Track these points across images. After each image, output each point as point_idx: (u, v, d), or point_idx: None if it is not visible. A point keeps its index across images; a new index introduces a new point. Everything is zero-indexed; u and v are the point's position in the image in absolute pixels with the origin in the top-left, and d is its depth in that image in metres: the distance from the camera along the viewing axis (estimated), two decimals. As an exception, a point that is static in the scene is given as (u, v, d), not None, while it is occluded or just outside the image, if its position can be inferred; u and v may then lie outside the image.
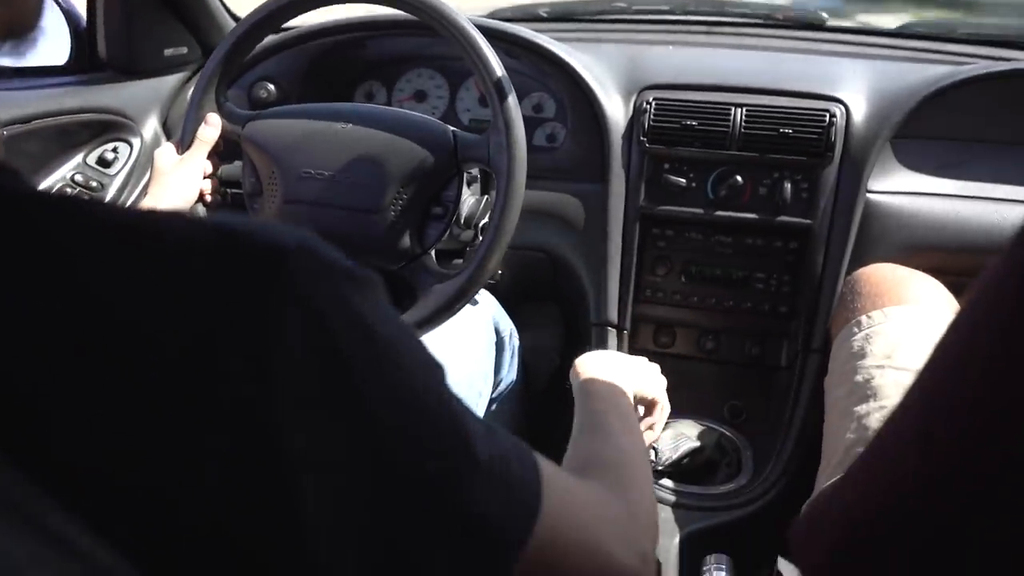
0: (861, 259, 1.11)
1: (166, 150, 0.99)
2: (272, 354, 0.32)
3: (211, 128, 1.00)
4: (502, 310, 1.23)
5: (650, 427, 0.92)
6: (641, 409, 0.90)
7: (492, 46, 0.94)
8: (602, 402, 0.73)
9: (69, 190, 1.16)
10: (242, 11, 1.35)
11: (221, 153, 1.04)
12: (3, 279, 0.30)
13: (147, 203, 0.96)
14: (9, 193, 0.32)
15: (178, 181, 0.97)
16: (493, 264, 0.94)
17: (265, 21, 0.99)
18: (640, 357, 0.92)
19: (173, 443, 0.31)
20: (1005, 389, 0.30)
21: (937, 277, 1.01)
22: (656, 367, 0.93)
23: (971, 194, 1.11)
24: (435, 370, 0.40)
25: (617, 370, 0.81)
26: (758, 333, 1.22)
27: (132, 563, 0.29)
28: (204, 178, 1.01)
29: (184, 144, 1.00)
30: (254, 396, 0.31)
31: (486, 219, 1.02)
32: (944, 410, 0.34)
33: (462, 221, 1.02)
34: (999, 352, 0.31)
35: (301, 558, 0.33)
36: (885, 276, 1.01)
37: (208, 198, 1.02)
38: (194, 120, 1.00)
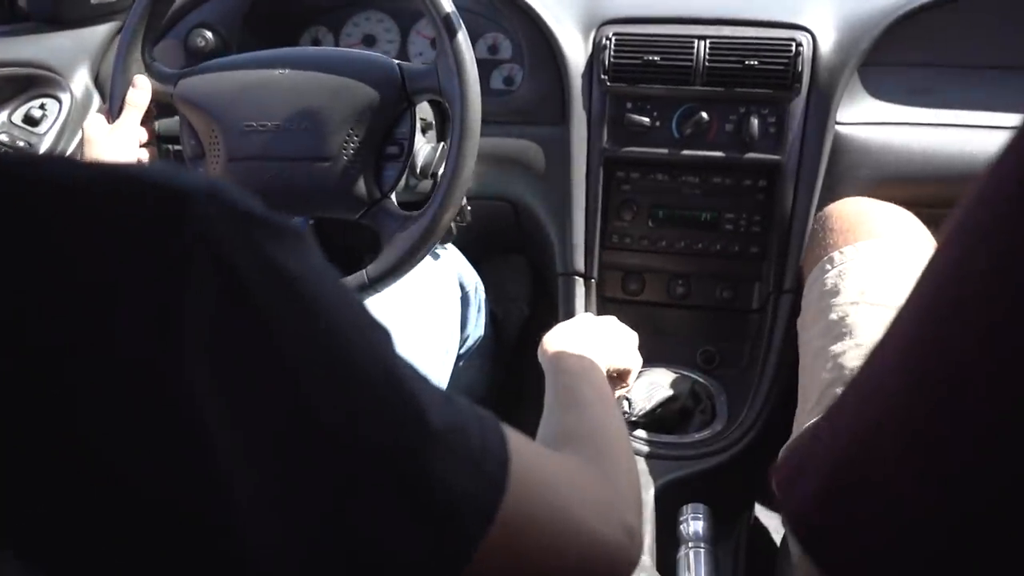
0: (832, 194, 1.08)
1: (95, 120, 0.93)
2: (178, 308, 0.28)
3: (140, 91, 0.93)
4: (466, 263, 1.19)
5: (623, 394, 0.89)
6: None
7: None
8: (573, 375, 0.69)
9: (-6, 151, 1.09)
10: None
11: (156, 115, 0.97)
12: None
13: None
14: None
15: (111, 152, 0.90)
16: (456, 199, 0.89)
17: None
18: (610, 319, 0.88)
19: (75, 413, 0.27)
20: (1005, 304, 0.28)
21: (909, 209, 0.98)
22: (627, 329, 0.89)
23: (940, 122, 1.08)
24: (378, 333, 0.36)
25: (586, 341, 0.77)
26: (729, 276, 1.19)
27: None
28: (141, 146, 0.95)
29: (114, 111, 0.93)
30: (157, 356, 0.28)
31: (443, 167, 0.97)
32: (936, 335, 0.31)
33: (418, 170, 0.97)
34: (998, 266, 0.28)
35: (231, 544, 0.29)
36: (856, 210, 0.98)
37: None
38: (121, 84, 0.94)
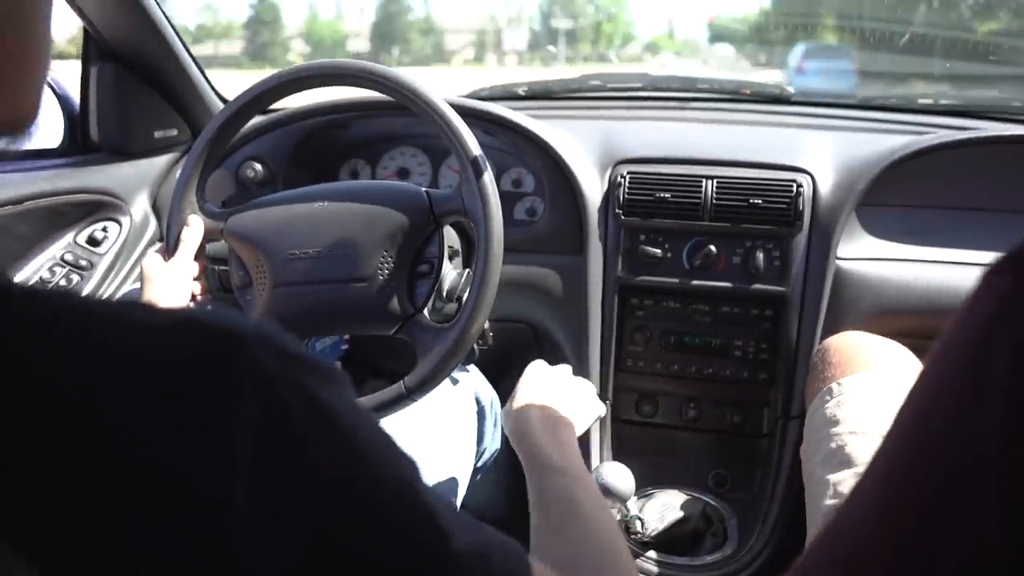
0: (835, 324, 1.14)
1: (153, 258, 1.01)
2: (228, 437, 0.33)
3: (194, 230, 1.01)
4: (482, 378, 1.24)
5: None
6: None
7: (469, 123, 0.97)
8: (564, 476, 0.70)
9: (59, 269, 1.18)
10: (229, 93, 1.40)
11: (205, 249, 1.06)
12: None
13: None
14: None
15: (168, 287, 0.98)
16: (486, 304, 0.95)
17: (242, 111, 1.02)
18: (561, 369, 0.96)
19: (132, 524, 0.31)
20: (960, 449, 0.31)
21: (908, 341, 1.03)
22: (579, 380, 0.96)
23: (935, 259, 1.14)
24: (405, 462, 0.40)
25: (558, 409, 0.80)
26: (739, 401, 1.23)
27: None
28: (193, 279, 1.02)
29: (169, 249, 1.01)
30: (210, 479, 0.32)
31: (469, 290, 1.04)
32: (903, 471, 0.34)
33: (445, 294, 1.03)
34: (953, 412, 0.32)
35: None
36: (854, 344, 1.03)
37: (199, 298, 1.04)
38: (177, 224, 1.02)
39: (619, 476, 1.01)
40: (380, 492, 0.37)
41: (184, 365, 0.34)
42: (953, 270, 1.12)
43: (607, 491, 1.00)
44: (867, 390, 0.92)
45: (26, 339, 0.33)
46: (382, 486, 0.37)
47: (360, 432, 0.37)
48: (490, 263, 0.95)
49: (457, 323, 0.96)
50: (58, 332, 0.33)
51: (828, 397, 0.94)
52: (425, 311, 1.01)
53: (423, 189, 1.00)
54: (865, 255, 1.16)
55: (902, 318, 1.11)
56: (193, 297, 1.02)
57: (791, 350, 1.16)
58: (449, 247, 1.05)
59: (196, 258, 1.02)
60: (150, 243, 1.31)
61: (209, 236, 1.03)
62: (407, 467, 0.40)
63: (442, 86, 1.13)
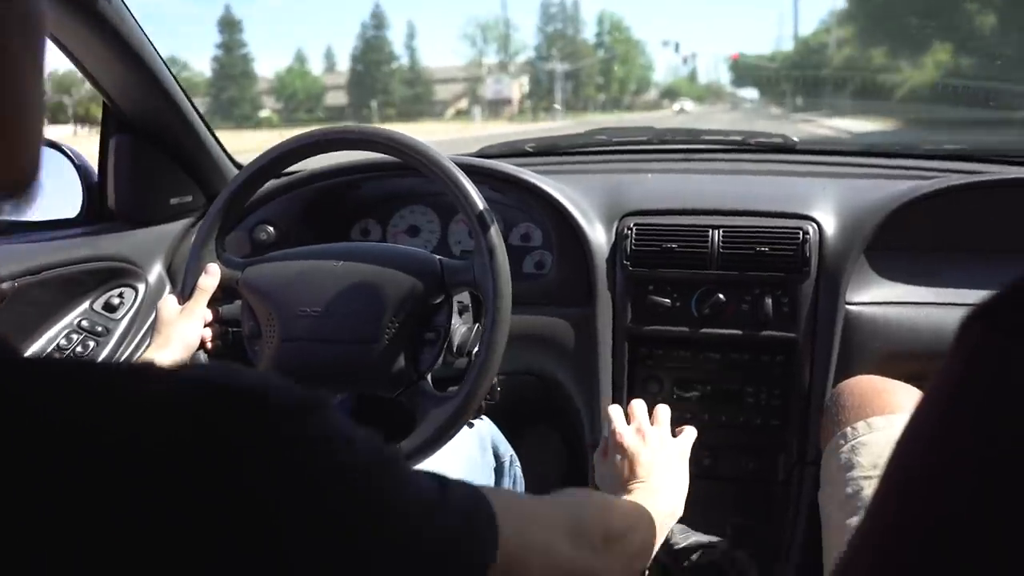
0: (846, 369, 1.14)
1: (168, 301, 1.03)
2: (249, 487, 0.35)
3: (211, 277, 1.03)
4: (500, 434, 1.24)
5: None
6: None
7: (477, 182, 1.00)
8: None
9: (75, 335, 1.20)
10: (243, 158, 1.44)
11: (220, 298, 1.08)
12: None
13: (151, 352, 0.98)
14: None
15: (181, 330, 1.00)
16: (487, 382, 0.96)
17: (258, 174, 1.06)
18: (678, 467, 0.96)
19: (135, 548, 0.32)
20: (937, 505, 0.32)
21: (920, 383, 1.03)
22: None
23: (944, 300, 1.15)
24: (388, 465, 0.43)
25: (658, 507, 0.83)
26: (753, 447, 1.22)
27: None
28: (205, 326, 1.04)
29: (185, 294, 1.03)
30: (246, 529, 0.34)
31: (478, 346, 1.04)
32: (890, 522, 0.35)
33: (455, 349, 1.04)
34: (929, 467, 0.33)
35: None
36: (867, 388, 1.03)
37: (209, 344, 1.05)
38: (194, 271, 1.04)
39: None
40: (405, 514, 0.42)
41: (213, 423, 0.36)
42: (962, 312, 1.12)
43: None
44: (881, 434, 0.92)
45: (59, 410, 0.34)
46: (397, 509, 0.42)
47: (344, 439, 0.41)
48: (495, 336, 0.96)
49: (459, 393, 0.96)
50: (88, 402, 0.35)
51: (842, 441, 0.94)
52: (428, 377, 1.02)
53: (437, 257, 1.02)
54: (875, 299, 1.17)
55: (913, 361, 1.11)
56: (203, 342, 1.03)
57: (804, 395, 1.16)
58: (459, 302, 1.06)
59: (209, 305, 1.03)
60: (166, 307, 1.33)
61: (224, 284, 1.05)
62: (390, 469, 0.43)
63: (432, 141, 1.15)
